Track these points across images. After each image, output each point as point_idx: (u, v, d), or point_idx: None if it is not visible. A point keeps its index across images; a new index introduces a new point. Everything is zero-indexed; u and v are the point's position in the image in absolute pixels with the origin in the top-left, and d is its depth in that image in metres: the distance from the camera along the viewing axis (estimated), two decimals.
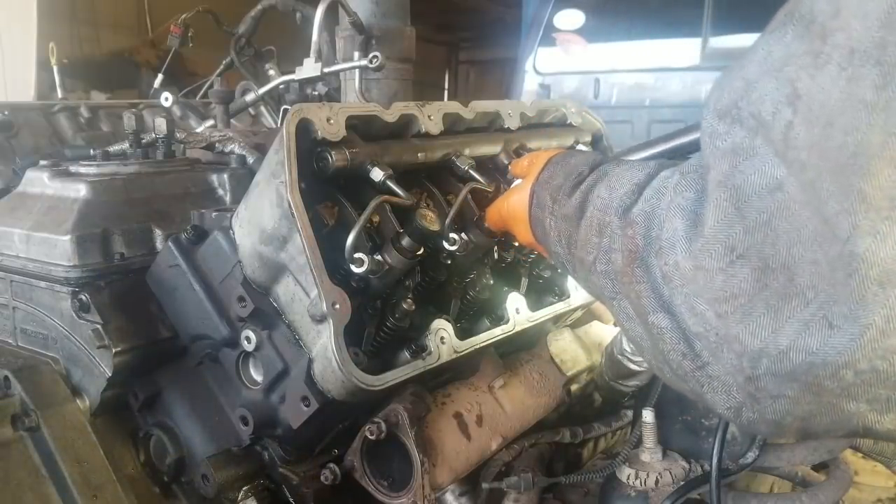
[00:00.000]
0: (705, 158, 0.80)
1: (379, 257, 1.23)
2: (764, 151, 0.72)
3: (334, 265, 1.21)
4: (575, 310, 1.69)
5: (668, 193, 0.88)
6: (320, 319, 1.18)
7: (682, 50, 6.57)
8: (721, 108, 0.77)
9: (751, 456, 1.40)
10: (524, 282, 1.61)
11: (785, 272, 0.71)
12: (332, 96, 2.62)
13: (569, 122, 1.78)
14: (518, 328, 1.48)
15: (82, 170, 1.64)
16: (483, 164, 1.50)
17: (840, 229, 0.65)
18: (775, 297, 0.72)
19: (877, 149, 0.62)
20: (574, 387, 1.70)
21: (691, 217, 0.82)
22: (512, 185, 1.39)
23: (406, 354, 1.29)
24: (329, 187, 1.31)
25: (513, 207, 1.25)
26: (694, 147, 1.23)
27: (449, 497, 1.49)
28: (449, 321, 1.35)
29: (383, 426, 1.25)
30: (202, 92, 2.96)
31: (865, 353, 0.66)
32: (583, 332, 1.78)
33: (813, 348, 0.69)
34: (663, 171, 0.94)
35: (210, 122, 2.42)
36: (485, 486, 1.46)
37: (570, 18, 7.28)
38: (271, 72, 2.73)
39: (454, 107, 1.47)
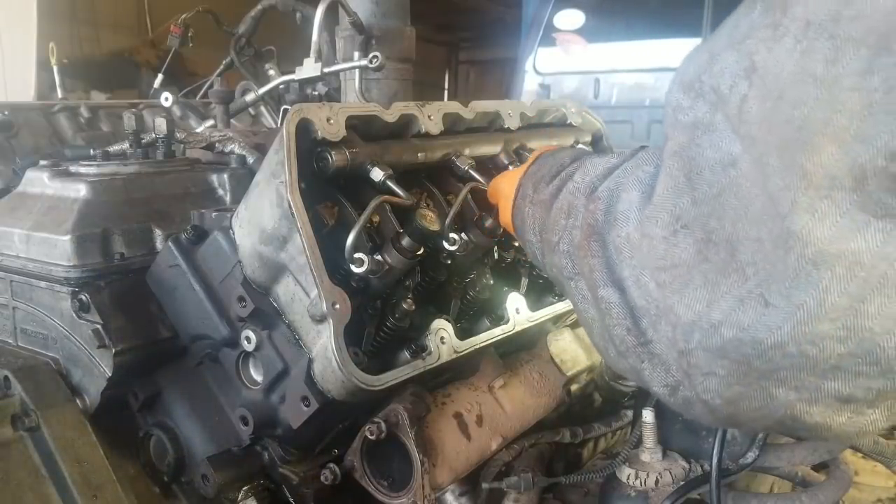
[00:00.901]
0: (666, 130, 0.79)
1: (379, 257, 1.23)
2: (723, 127, 0.71)
3: (334, 265, 1.21)
4: None
5: (632, 170, 0.89)
6: (320, 319, 1.18)
7: (682, 50, 6.56)
8: (686, 81, 0.76)
9: (751, 456, 1.40)
10: (524, 282, 1.61)
11: (727, 247, 0.70)
12: (332, 96, 2.62)
13: (569, 122, 1.78)
14: (518, 328, 1.48)
15: (82, 170, 1.64)
16: (483, 164, 1.50)
17: (781, 206, 0.64)
18: (714, 270, 0.71)
19: (820, 125, 0.61)
20: (574, 387, 1.70)
21: (647, 189, 0.81)
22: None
23: (406, 354, 1.29)
24: (329, 187, 1.31)
25: (501, 189, 1.27)
26: None
27: (449, 497, 1.49)
28: (449, 321, 1.35)
29: (383, 426, 1.25)
30: (202, 92, 2.96)
31: (794, 335, 0.65)
32: (583, 332, 1.78)
33: (745, 324, 0.68)
34: (638, 153, 0.94)
35: (210, 122, 2.42)
36: (485, 486, 1.46)
37: (570, 18, 7.29)
38: (271, 72, 2.73)
39: (454, 107, 1.47)
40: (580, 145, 1.79)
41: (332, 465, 1.33)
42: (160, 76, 3.20)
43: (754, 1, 0.71)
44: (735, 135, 0.70)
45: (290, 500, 1.37)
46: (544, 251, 1.05)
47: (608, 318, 0.85)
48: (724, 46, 0.72)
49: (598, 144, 1.85)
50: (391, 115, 1.34)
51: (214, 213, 1.39)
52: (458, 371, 1.49)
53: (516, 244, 1.51)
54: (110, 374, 1.43)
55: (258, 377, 1.34)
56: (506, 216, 1.22)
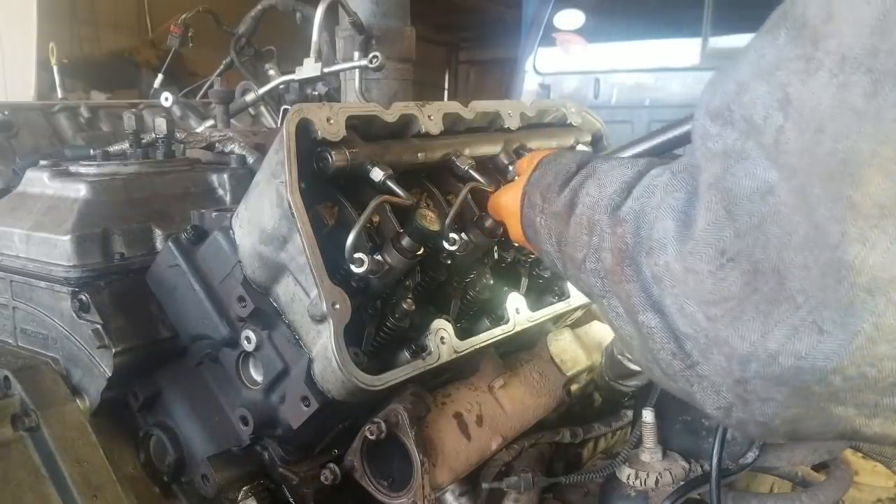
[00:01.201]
0: (697, 159, 0.80)
1: (379, 257, 1.23)
2: (756, 154, 0.71)
3: (334, 265, 1.21)
4: (575, 310, 1.69)
5: (658, 192, 0.88)
6: (320, 319, 1.18)
7: (682, 50, 6.58)
8: (713, 109, 0.77)
9: (751, 456, 1.40)
10: (524, 282, 1.61)
11: (775, 276, 0.71)
12: (332, 96, 2.62)
13: (569, 122, 1.78)
14: (518, 328, 1.48)
15: (82, 170, 1.63)
16: (483, 164, 1.50)
17: (830, 236, 0.65)
18: (765, 301, 0.72)
19: (866, 157, 0.62)
20: (574, 387, 1.70)
21: (682, 218, 0.81)
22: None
23: (406, 354, 1.29)
24: (329, 187, 1.31)
25: (505, 205, 1.26)
26: (682, 142, 1.23)
27: (449, 497, 1.49)
28: (449, 321, 1.35)
29: (383, 426, 1.25)
30: (202, 92, 2.96)
31: (854, 360, 0.66)
32: (583, 332, 1.78)
33: (802, 353, 0.69)
34: (653, 170, 0.93)
35: (210, 122, 2.42)
36: (485, 486, 1.46)
37: (570, 18, 7.29)
38: (271, 72, 2.73)
39: (454, 107, 1.47)
40: (580, 145, 1.79)
41: (332, 465, 1.33)
42: (160, 76, 3.21)
43: (777, 27, 0.71)
44: (770, 161, 0.70)
45: (290, 500, 1.37)
46: (566, 265, 1.05)
47: (651, 342, 0.85)
48: (752, 76, 0.73)
49: (598, 144, 1.85)
50: (391, 115, 1.34)
51: (214, 213, 1.39)
52: (458, 371, 1.49)
53: (517, 244, 1.51)
54: (110, 374, 1.43)
55: (258, 377, 1.34)
56: (516, 230, 1.21)
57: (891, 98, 0.60)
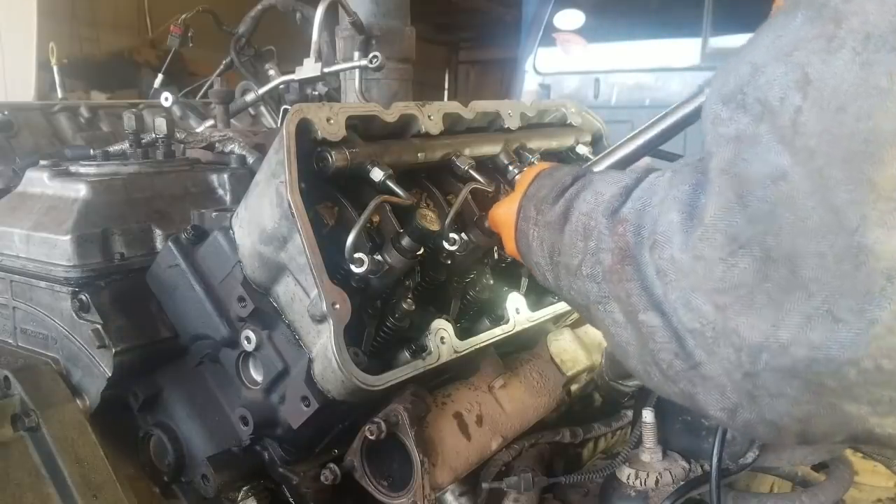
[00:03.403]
0: (707, 145, 0.78)
1: (379, 257, 1.23)
2: (768, 139, 0.70)
3: (334, 265, 1.21)
4: None
5: (661, 190, 0.86)
6: (320, 319, 1.18)
7: (682, 50, 6.57)
8: (726, 93, 0.75)
9: (751, 456, 1.40)
10: (524, 282, 1.61)
11: (787, 263, 0.69)
12: (332, 96, 2.62)
13: (569, 122, 1.78)
14: (518, 328, 1.48)
15: (82, 170, 1.64)
16: (483, 164, 1.50)
17: (848, 219, 0.63)
18: (777, 289, 0.70)
19: (889, 137, 0.60)
20: (574, 387, 1.70)
21: (687, 210, 0.80)
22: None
23: (406, 354, 1.29)
24: (329, 187, 1.31)
25: (502, 218, 1.25)
26: (674, 132, 1.22)
27: (449, 497, 1.49)
28: (449, 321, 1.35)
29: (383, 426, 1.25)
30: (202, 92, 2.96)
31: (870, 351, 0.64)
32: (583, 332, 1.78)
33: (815, 343, 0.67)
34: (650, 174, 0.92)
35: (210, 122, 2.42)
36: (485, 486, 1.46)
37: (570, 18, 7.28)
38: (271, 72, 2.73)
39: (454, 107, 1.47)
40: (580, 145, 1.79)
41: (332, 465, 1.33)
42: (160, 76, 3.20)
43: (794, 8, 0.70)
44: (782, 146, 0.69)
45: (290, 500, 1.37)
46: (559, 275, 1.03)
47: (651, 342, 0.83)
48: (768, 58, 0.71)
49: (598, 144, 1.85)
50: (391, 115, 1.34)
51: (214, 213, 1.39)
52: (458, 371, 1.49)
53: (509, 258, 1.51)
54: (110, 374, 1.43)
55: (258, 377, 1.34)
56: (510, 243, 1.20)
57: None
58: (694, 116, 1.16)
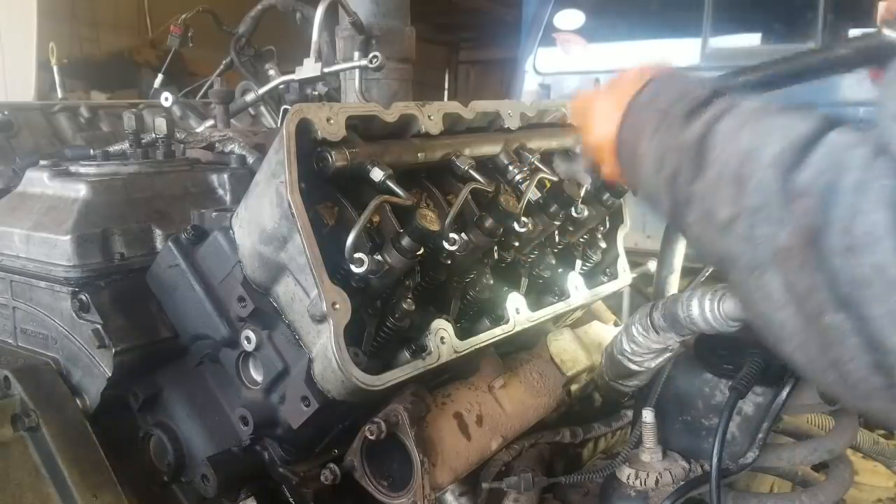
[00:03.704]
0: None
1: (379, 257, 1.23)
2: None
3: (334, 265, 1.21)
4: (575, 310, 1.69)
5: (854, 171, 0.72)
6: (320, 319, 1.18)
7: (682, 50, 6.57)
8: None
9: (751, 456, 1.40)
10: (524, 282, 1.61)
11: None
12: (332, 96, 2.62)
13: (569, 121, 1.77)
14: (518, 328, 1.48)
15: (82, 170, 1.64)
16: (483, 164, 1.50)
17: None
18: None
19: None
20: (574, 387, 1.70)
21: None
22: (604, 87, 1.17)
23: (406, 354, 1.29)
24: (329, 187, 1.31)
25: (599, 115, 1.10)
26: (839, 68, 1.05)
27: (449, 497, 1.49)
28: (449, 321, 1.35)
29: (383, 426, 1.25)
30: (202, 92, 2.96)
31: None
32: (583, 332, 1.78)
33: None
34: (833, 132, 0.77)
35: (210, 122, 2.42)
36: (485, 486, 1.46)
37: (570, 18, 7.28)
38: (271, 72, 2.73)
39: (454, 107, 1.47)
40: (580, 145, 1.78)
41: (332, 465, 1.33)
42: (160, 76, 3.21)
43: None
44: None
45: (290, 500, 1.37)
46: (684, 211, 0.89)
47: (839, 347, 0.72)
48: None
49: None
50: (391, 115, 1.34)
51: (214, 213, 1.39)
52: (458, 371, 1.49)
53: (516, 244, 1.51)
54: (110, 374, 1.43)
55: (258, 377, 1.34)
56: (598, 143, 1.05)
57: None
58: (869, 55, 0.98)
